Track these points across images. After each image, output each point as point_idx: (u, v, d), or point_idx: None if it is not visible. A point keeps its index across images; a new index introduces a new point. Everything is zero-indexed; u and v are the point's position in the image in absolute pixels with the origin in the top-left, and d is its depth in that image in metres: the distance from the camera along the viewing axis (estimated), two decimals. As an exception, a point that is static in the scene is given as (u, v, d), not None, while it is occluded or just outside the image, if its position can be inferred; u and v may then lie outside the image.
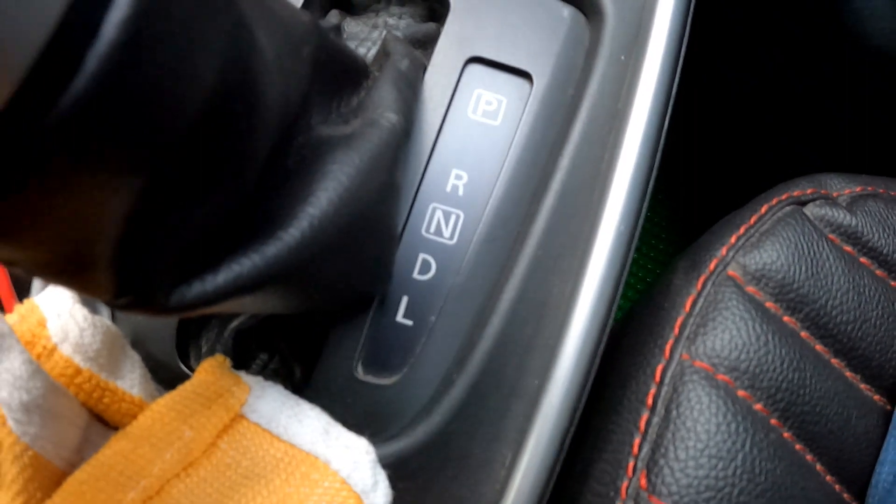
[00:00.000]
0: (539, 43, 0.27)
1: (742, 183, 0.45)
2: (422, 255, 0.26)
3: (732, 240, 0.26)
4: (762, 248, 0.26)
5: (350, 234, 0.21)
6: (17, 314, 0.26)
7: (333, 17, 0.29)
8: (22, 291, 0.30)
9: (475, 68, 0.27)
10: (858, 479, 0.26)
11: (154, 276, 0.17)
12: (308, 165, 0.21)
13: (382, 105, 0.23)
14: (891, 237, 0.29)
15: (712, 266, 0.25)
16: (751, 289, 0.25)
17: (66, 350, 0.25)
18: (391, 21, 0.29)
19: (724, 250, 0.26)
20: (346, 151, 0.21)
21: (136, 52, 0.13)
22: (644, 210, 0.25)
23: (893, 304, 0.28)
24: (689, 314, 0.25)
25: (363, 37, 0.29)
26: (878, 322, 0.28)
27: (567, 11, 0.28)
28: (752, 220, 0.27)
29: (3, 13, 0.11)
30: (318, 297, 0.22)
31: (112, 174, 0.14)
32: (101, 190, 0.14)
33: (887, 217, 0.29)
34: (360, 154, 0.21)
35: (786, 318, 0.26)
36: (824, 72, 0.43)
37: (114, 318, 0.28)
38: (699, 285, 0.25)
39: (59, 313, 0.26)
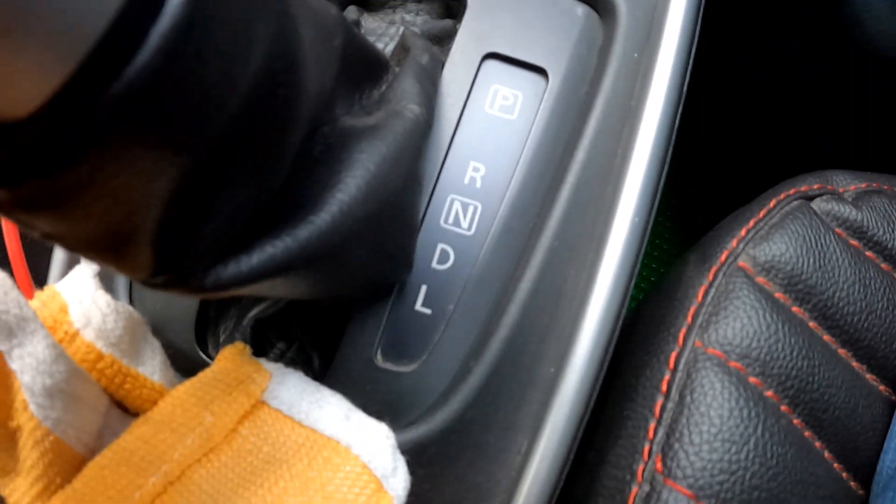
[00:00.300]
0: (554, 40, 0.28)
1: (753, 178, 0.46)
2: (440, 245, 0.27)
3: (742, 232, 0.27)
4: (771, 240, 0.27)
5: (376, 221, 0.22)
6: (39, 300, 0.27)
7: (351, 12, 0.30)
8: (38, 280, 0.31)
9: (492, 64, 0.28)
10: (864, 466, 0.27)
11: (192, 256, 0.18)
12: (335, 154, 0.21)
13: (405, 97, 0.24)
14: (895, 232, 0.30)
15: (723, 257, 0.27)
16: (760, 279, 0.26)
17: (88, 335, 0.26)
18: (408, 17, 0.30)
19: (734, 242, 0.27)
20: (372, 141, 0.22)
21: (195, 31, 0.13)
22: (657, 203, 0.26)
23: (898, 296, 0.30)
24: (702, 304, 0.26)
25: (380, 32, 0.30)
26: (883, 314, 0.29)
27: (581, 10, 0.29)
28: (762, 213, 0.28)
29: None
30: (342, 283, 0.23)
31: (164, 149, 0.15)
32: (153, 165, 0.15)
33: (892, 212, 0.31)
34: (386, 143, 0.22)
35: (794, 309, 0.27)
36: (839, 60, 0.44)
37: (131, 305, 0.29)
38: (711, 276, 0.26)
39: (81, 299, 0.26)
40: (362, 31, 0.30)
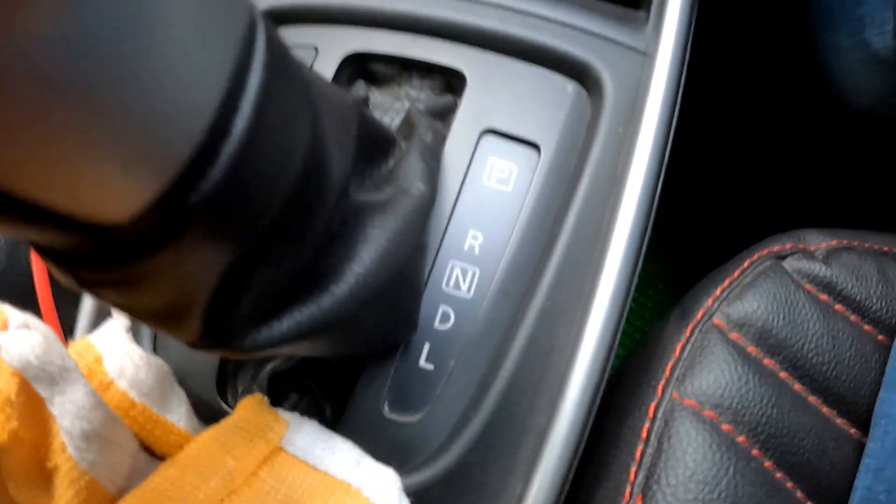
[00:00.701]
0: (546, 116, 0.34)
1: (736, 228, 0.50)
2: (442, 307, 0.32)
3: (718, 292, 0.32)
4: (744, 299, 0.32)
5: (386, 289, 0.27)
6: (74, 351, 0.32)
7: (360, 87, 0.36)
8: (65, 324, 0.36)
9: (489, 139, 0.34)
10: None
11: (234, 323, 0.23)
12: (351, 228, 0.27)
13: (412, 175, 0.29)
14: (864, 286, 0.36)
15: (699, 315, 0.32)
16: (734, 335, 0.32)
17: (122, 385, 0.31)
18: (412, 92, 0.36)
19: (710, 301, 0.32)
20: (383, 217, 0.27)
21: (254, 147, 0.19)
22: (639, 267, 0.31)
23: (866, 346, 0.35)
24: (679, 358, 0.31)
25: (387, 106, 0.35)
26: (851, 362, 0.34)
27: (571, 87, 0.35)
28: (736, 273, 0.33)
29: (175, 120, 0.17)
30: (356, 342, 0.28)
31: (224, 242, 0.20)
32: (214, 253, 0.20)
33: (860, 267, 0.36)
34: (396, 220, 0.27)
35: (766, 361, 0.32)
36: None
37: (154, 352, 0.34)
38: (688, 332, 0.31)
39: (115, 351, 0.31)
40: (371, 105, 0.35)
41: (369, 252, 0.26)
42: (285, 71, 0.20)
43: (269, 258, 0.22)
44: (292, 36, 0.37)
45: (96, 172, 0.16)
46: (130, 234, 0.18)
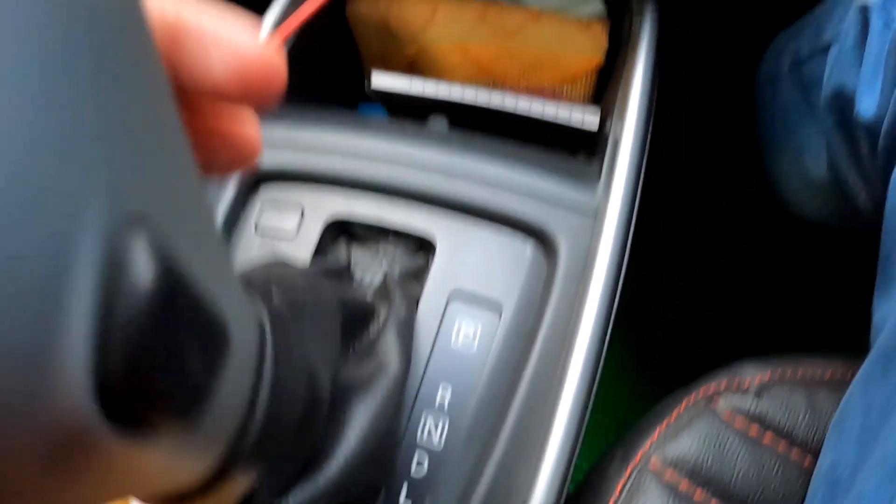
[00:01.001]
0: (507, 276, 0.42)
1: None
2: (417, 455, 0.40)
3: (655, 435, 0.41)
4: (679, 440, 0.41)
5: (371, 457, 0.35)
6: None
7: (342, 248, 0.44)
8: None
9: (456, 302, 0.42)
10: None
11: None
12: (337, 409, 0.35)
13: (389, 353, 0.37)
14: (792, 416, 0.44)
15: (638, 458, 0.40)
16: (668, 474, 0.40)
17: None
18: (389, 251, 0.44)
19: (648, 444, 0.40)
20: (365, 398, 0.35)
21: (271, 418, 0.27)
22: (588, 413, 0.39)
23: (792, 472, 0.43)
24: (619, 497, 0.39)
25: (367, 265, 0.43)
26: (778, 487, 0.43)
27: (529, 248, 0.43)
28: (673, 416, 0.41)
29: (224, 427, 0.25)
30: (345, 497, 0.37)
31: (253, 474, 0.28)
32: (244, 483, 0.28)
33: (790, 399, 0.44)
34: (375, 401, 0.35)
35: (697, 494, 0.40)
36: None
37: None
38: (627, 472, 0.40)
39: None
40: (352, 264, 0.43)
41: (355, 433, 0.34)
42: (286, 347, 0.28)
43: (283, 464, 0.30)
44: (281, 194, 0.45)
45: (177, 480, 0.24)
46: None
